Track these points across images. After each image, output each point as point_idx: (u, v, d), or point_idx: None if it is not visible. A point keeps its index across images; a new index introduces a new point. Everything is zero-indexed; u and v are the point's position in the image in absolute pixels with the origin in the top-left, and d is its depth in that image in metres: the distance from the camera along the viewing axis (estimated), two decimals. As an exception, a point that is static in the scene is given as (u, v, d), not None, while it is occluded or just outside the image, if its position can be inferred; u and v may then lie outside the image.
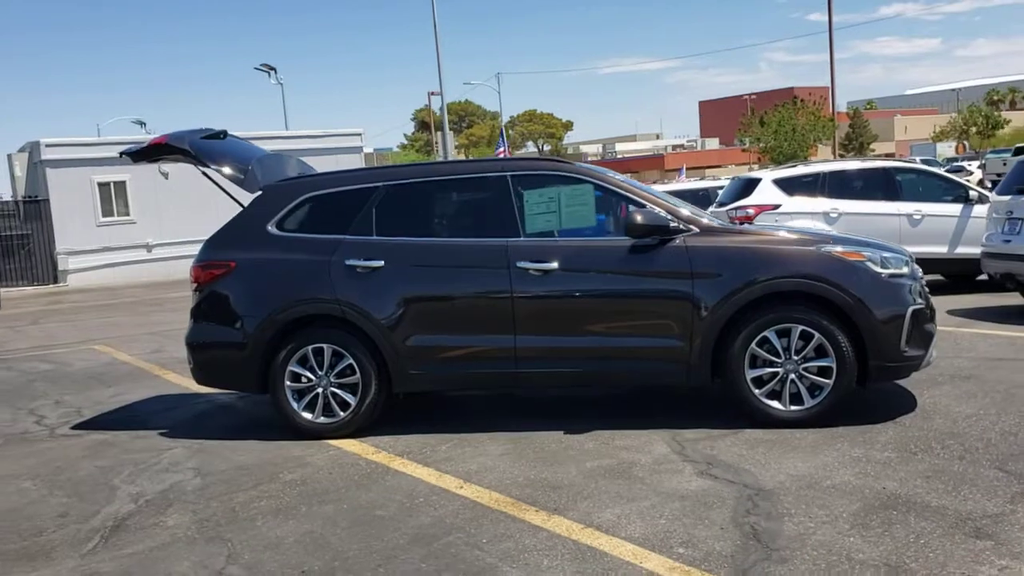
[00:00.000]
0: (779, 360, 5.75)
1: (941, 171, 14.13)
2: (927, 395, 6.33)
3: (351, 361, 6.18)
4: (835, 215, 11.46)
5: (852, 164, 12.63)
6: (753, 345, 5.75)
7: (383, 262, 6.17)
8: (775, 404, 5.77)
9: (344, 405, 6.23)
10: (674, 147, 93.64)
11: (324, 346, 6.22)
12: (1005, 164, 33.42)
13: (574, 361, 6.00)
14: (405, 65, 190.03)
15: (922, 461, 4.97)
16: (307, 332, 6.26)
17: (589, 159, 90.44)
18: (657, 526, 4.27)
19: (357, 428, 6.23)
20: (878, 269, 5.76)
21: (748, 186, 12.21)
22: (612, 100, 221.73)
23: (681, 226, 5.90)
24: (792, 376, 5.74)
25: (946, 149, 58.56)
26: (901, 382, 6.43)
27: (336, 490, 5.15)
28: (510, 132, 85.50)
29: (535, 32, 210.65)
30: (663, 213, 5.90)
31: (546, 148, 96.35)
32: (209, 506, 5.02)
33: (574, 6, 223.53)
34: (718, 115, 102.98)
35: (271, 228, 6.46)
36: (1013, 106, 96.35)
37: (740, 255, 5.83)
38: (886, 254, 5.89)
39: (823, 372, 5.72)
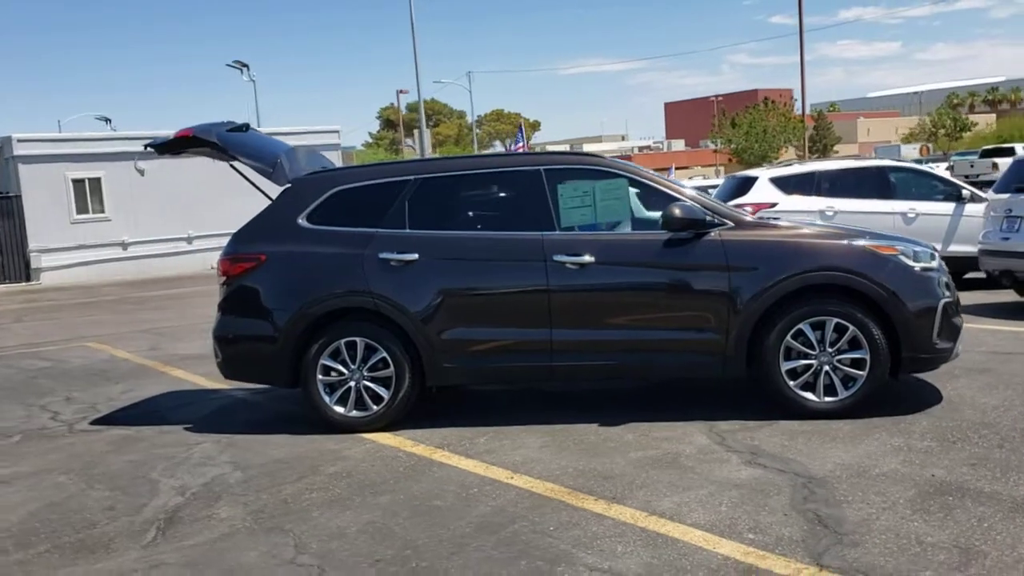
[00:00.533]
0: (813, 352, 5.84)
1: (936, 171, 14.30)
2: (949, 387, 6.46)
3: (384, 354, 6.18)
4: (831, 213, 11.63)
5: (847, 163, 12.84)
6: (788, 337, 5.84)
7: (417, 255, 6.17)
8: (809, 395, 5.86)
9: (377, 399, 6.23)
10: (640, 148, 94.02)
11: (357, 339, 6.21)
12: (972, 166, 34.04)
13: (610, 354, 6.05)
14: (370, 64, 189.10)
15: (962, 450, 5.08)
16: (340, 325, 6.25)
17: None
18: (720, 513, 4.33)
19: (390, 422, 6.23)
20: (910, 263, 5.88)
21: (744, 184, 12.34)
22: (577, 101, 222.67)
23: (716, 220, 5.98)
24: (826, 368, 5.83)
25: (910, 151, 59.63)
26: (922, 375, 6.55)
27: (384, 482, 5.15)
28: (477, 131, 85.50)
29: (502, 32, 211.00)
30: (699, 207, 5.97)
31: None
32: (259, 498, 5.00)
33: (540, 8, 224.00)
34: (684, 116, 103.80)
35: (302, 221, 6.44)
36: (972, 109, 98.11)
37: (775, 249, 5.91)
38: (917, 248, 6.02)
39: (856, 364, 5.81)
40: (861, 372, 5.80)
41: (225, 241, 6.71)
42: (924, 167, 14.10)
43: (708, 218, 5.95)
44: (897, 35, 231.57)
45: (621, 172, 6.25)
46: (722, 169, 73.59)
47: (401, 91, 63.00)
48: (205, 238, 25.36)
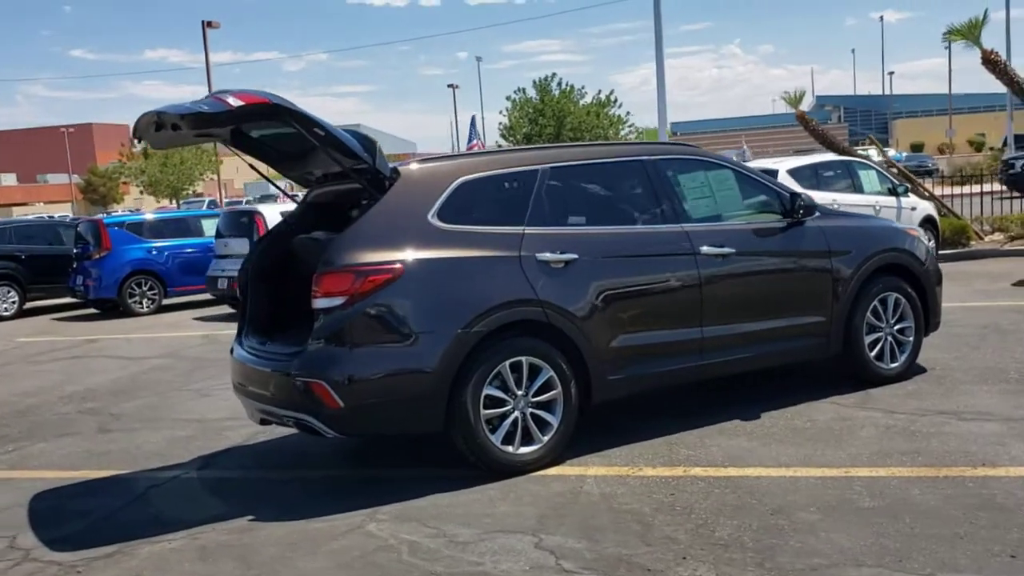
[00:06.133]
0: (881, 325, 6.52)
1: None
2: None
3: (551, 373, 5.19)
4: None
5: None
6: (868, 314, 6.43)
7: (576, 255, 5.32)
8: (881, 363, 6.52)
9: (544, 427, 5.20)
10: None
11: (523, 359, 5.12)
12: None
13: (749, 345, 5.94)
14: None
15: (1040, 384, 6.26)
16: (502, 344, 5.07)
17: None
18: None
19: (558, 454, 5.25)
20: (927, 241, 6.95)
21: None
22: None
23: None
24: (889, 338, 6.56)
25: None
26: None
27: (789, 506, 4.42)
28: None
29: None
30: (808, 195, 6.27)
31: None
32: (709, 545, 3.94)
33: None
34: (11, 150, 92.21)
35: (433, 220, 5.05)
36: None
37: (856, 233, 6.48)
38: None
39: (903, 332, 6.64)
40: (908, 339, 6.65)
41: None
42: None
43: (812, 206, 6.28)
44: (201, 78, 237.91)
45: (722, 163, 6.28)
46: (76, 206, 67.96)
47: None
48: None
